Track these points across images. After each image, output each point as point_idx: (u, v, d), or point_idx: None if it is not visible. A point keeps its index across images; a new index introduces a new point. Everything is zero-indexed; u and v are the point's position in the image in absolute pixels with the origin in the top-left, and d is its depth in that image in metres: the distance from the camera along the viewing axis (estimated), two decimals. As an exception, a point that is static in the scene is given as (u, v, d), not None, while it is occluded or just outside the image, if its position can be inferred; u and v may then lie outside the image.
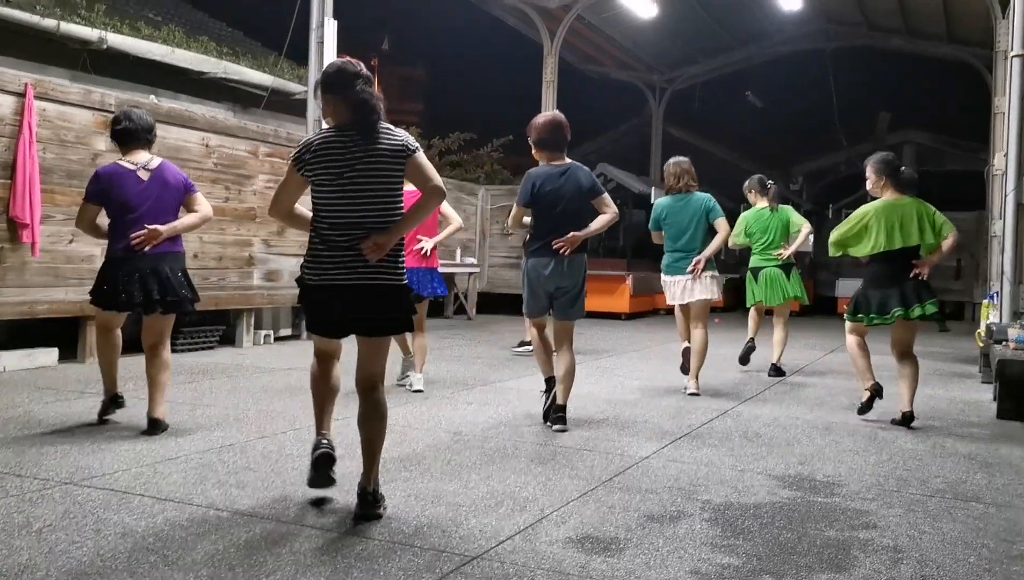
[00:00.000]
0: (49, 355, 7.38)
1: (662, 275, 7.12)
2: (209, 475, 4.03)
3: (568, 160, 5.48)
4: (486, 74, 32.01)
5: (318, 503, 3.65)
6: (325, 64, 10.86)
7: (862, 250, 5.75)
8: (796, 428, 5.63)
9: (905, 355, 5.83)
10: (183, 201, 5.10)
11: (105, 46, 9.36)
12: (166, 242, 4.97)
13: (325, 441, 3.70)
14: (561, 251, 5.27)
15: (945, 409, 6.54)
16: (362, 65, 3.62)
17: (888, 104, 25.01)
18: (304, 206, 3.73)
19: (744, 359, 8.43)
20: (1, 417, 5.19)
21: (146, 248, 4.88)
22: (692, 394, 6.79)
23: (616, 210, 5.46)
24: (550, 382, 5.61)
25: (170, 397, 5.23)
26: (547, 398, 5.56)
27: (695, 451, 4.85)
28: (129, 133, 5.03)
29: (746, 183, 8.63)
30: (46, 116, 7.14)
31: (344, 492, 3.79)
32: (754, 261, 8.31)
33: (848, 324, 5.96)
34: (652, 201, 16.94)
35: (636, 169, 20.77)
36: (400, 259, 3.56)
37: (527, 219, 5.56)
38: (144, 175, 4.97)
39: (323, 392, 3.79)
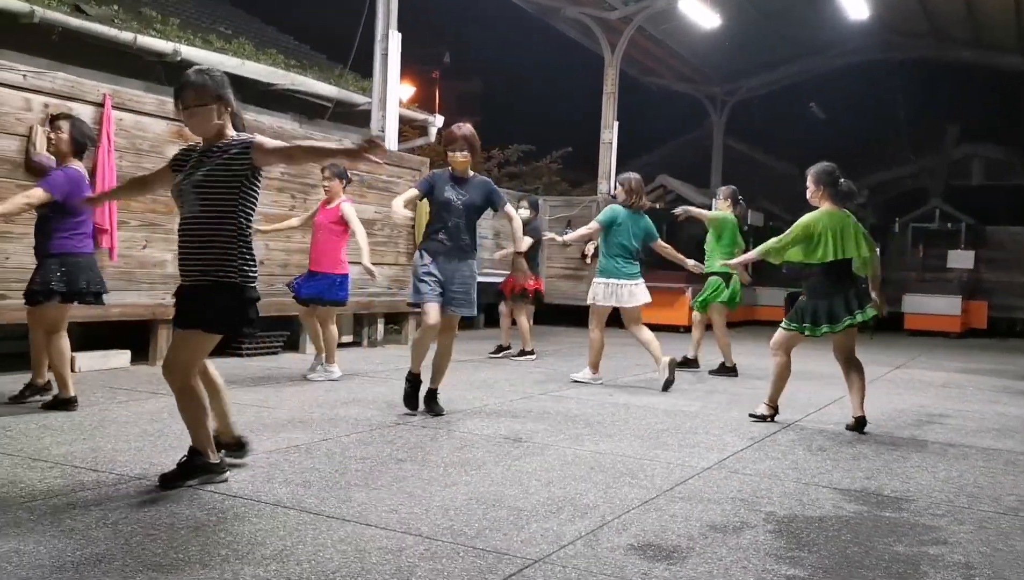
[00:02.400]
0: (122, 357, 7.61)
1: (605, 278, 7.67)
2: (276, 474, 4.11)
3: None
4: (545, 86, 32.10)
5: (381, 504, 3.70)
6: (389, 76, 11.10)
7: (813, 257, 5.86)
8: (861, 443, 5.53)
9: (851, 361, 6.01)
10: None
11: (179, 58, 9.63)
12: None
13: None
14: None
15: (1017, 427, 6.36)
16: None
17: (956, 117, 24.45)
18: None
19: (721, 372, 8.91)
20: (77, 415, 5.36)
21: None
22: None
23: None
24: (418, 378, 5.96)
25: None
26: (417, 390, 5.95)
27: (757, 463, 4.80)
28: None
29: (723, 189, 9.17)
30: (123, 125, 7.37)
31: (407, 495, 3.84)
32: (722, 267, 8.67)
33: (783, 335, 6.05)
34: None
35: (695, 181, 20.65)
36: (229, 257, 3.74)
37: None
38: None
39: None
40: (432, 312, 5.70)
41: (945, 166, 23.59)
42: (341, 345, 10.02)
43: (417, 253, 5.88)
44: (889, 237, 20.00)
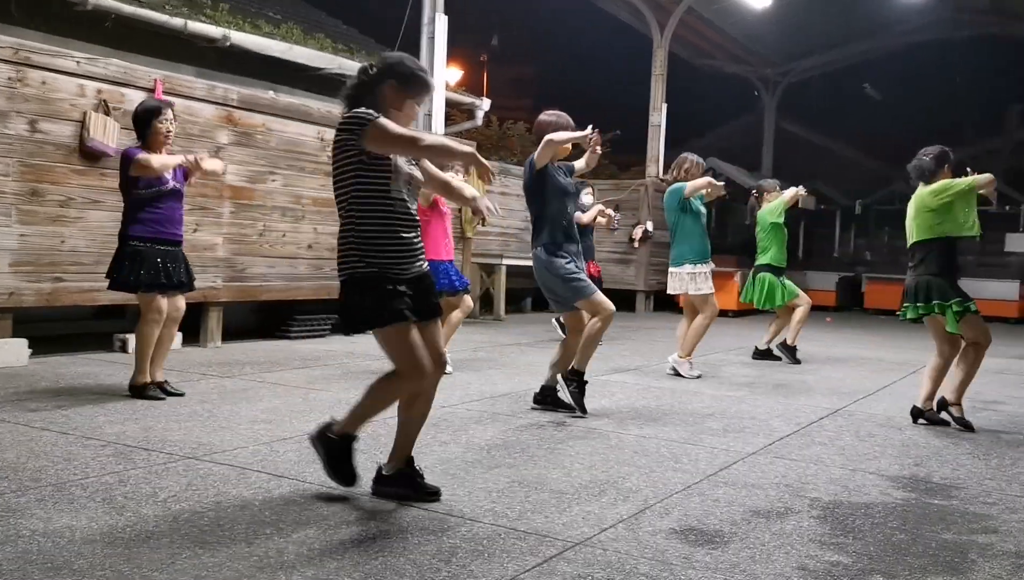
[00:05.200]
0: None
1: (696, 266, 7.33)
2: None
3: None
4: (595, 69, 31.89)
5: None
6: (436, 60, 11.11)
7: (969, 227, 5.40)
8: (912, 429, 5.43)
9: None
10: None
11: (228, 43, 9.74)
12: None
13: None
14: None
15: (1076, 415, 6.19)
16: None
17: (1018, 96, 23.72)
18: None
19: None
20: (129, 396, 5.48)
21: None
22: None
23: None
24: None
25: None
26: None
27: (803, 449, 4.74)
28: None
29: (771, 183, 9.14)
30: (174, 110, 7.46)
31: (450, 476, 3.87)
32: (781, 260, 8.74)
33: (977, 321, 5.40)
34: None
35: (747, 164, 20.37)
36: (341, 251, 3.45)
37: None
38: None
39: None
40: (606, 299, 5.49)
41: (1007, 148, 22.92)
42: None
43: (545, 253, 5.44)
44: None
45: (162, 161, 5.36)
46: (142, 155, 5.29)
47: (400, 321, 3.35)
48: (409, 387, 3.47)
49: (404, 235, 3.42)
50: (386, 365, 3.50)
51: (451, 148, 3.50)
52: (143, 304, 5.44)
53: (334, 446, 3.55)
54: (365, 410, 3.55)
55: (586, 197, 9.99)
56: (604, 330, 5.49)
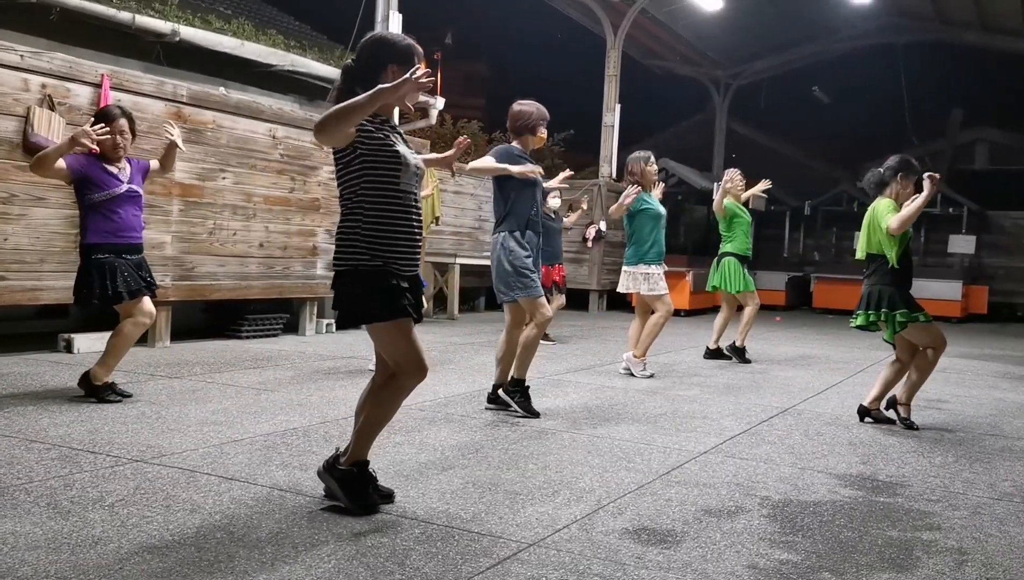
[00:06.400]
0: (120, 339, 7.60)
1: (650, 267, 7.35)
2: (273, 457, 4.12)
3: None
4: (549, 69, 32.02)
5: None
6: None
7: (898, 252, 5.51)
8: (858, 428, 5.54)
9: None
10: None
11: (178, 39, 9.58)
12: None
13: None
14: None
15: (1014, 413, 6.37)
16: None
17: (961, 101, 24.34)
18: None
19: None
20: (75, 397, 5.37)
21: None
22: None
23: None
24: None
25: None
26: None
27: (754, 448, 4.81)
28: None
29: (734, 171, 9.02)
30: (133, 124, 7.31)
31: (403, 478, 3.85)
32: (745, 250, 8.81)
33: (927, 328, 5.52)
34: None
35: (698, 165, 20.60)
36: (344, 242, 3.31)
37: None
38: None
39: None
40: (548, 305, 5.50)
41: (949, 151, 23.49)
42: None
43: (510, 239, 5.40)
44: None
45: (54, 150, 5.09)
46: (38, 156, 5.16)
47: (404, 316, 3.31)
48: (414, 383, 3.40)
49: (412, 230, 3.36)
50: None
51: (384, 91, 3.10)
52: (127, 309, 5.32)
53: (348, 477, 3.39)
54: (373, 425, 3.42)
55: (553, 201, 10.02)
56: (539, 336, 5.55)
